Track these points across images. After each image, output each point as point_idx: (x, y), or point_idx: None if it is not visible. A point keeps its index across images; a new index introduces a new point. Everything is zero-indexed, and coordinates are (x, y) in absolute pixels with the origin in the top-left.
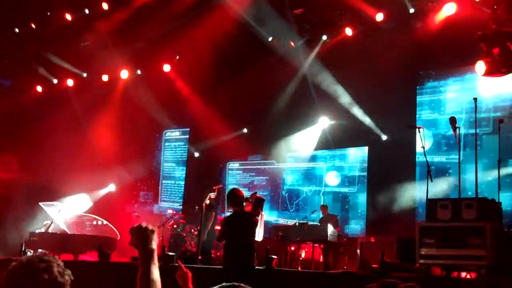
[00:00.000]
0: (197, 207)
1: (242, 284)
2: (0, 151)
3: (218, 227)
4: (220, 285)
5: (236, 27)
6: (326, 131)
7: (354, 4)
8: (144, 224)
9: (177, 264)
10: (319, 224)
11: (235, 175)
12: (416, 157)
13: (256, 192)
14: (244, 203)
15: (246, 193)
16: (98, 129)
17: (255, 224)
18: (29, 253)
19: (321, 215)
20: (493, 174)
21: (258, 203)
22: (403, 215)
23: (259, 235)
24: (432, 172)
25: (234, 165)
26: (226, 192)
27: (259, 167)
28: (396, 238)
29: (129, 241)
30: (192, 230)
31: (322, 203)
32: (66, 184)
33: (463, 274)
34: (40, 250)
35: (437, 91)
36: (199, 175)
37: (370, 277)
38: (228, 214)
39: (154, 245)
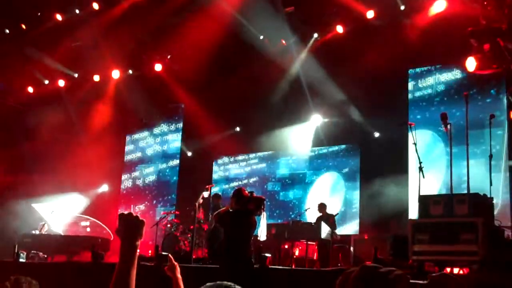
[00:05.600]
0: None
1: (225, 282)
2: None
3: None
4: (204, 286)
5: (227, 26)
6: (319, 129)
7: (345, 2)
8: (134, 213)
9: (167, 261)
10: (312, 222)
11: (225, 172)
12: (408, 153)
13: (253, 192)
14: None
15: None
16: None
17: (254, 224)
18: (22, 254)
19: (319, 214)
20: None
21: (259, 203)
22: (396, 212)
23: (262, 235)
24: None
25: (224, 161)
26: (233, 191)
27: (251, 165)
28: (389, 235)
29: (116, 229)
30: (186, 230)
31: (320, 202)
32: (59, 184)
33: (456, 270)
34: (33, 252)
35: (428, 87)
36: (191, 174)
37: None
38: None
39: (139, 242)
